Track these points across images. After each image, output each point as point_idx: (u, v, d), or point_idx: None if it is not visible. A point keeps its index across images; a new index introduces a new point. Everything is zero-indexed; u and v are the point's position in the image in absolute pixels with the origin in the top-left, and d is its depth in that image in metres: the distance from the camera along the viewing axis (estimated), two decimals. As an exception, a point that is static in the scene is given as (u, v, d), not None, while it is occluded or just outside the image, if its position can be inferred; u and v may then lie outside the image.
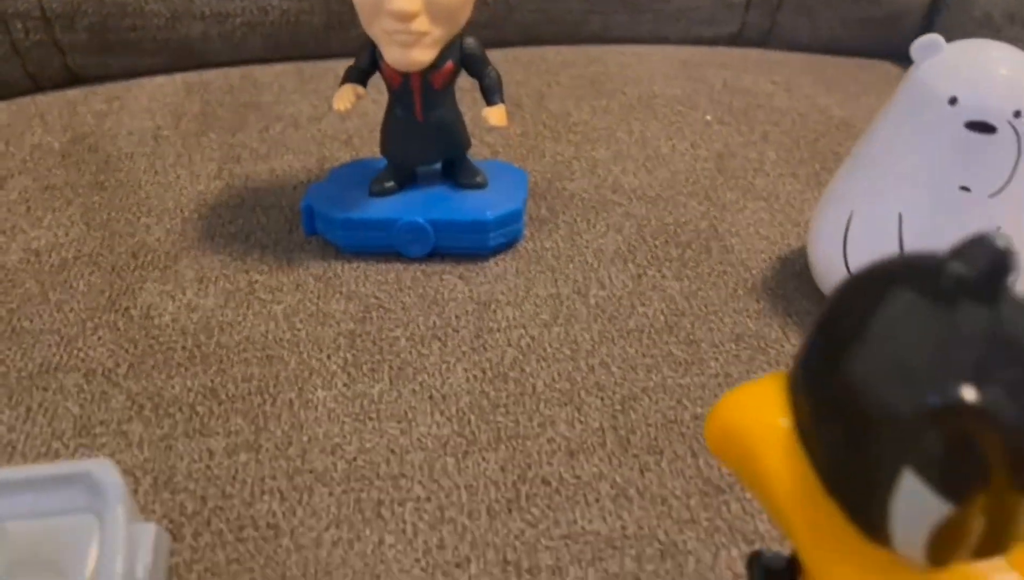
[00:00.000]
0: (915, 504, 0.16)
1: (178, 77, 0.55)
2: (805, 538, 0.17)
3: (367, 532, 0.28)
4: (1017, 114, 0.30)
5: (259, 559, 0.27)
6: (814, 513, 0.17)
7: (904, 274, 0.17)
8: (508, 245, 0.39)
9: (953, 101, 0.31)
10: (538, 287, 0.38)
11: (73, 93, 0.53)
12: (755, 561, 0.23)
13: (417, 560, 0.27)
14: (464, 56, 0.37)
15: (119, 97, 0.52)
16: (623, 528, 0.28)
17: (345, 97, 0.36)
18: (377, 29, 0.34)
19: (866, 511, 0.16)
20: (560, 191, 0.44)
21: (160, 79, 0.54)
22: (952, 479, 0.15)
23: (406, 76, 0.36)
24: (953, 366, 0.15)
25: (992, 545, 0.16)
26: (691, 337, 0.35)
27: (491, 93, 0.37)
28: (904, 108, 0.33)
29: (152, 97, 0.52)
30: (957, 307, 0.16)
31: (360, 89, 0.36)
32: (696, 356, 0.34)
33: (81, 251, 0.40)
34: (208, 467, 0.30)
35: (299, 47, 0.56)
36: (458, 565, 0.27)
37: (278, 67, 0.55)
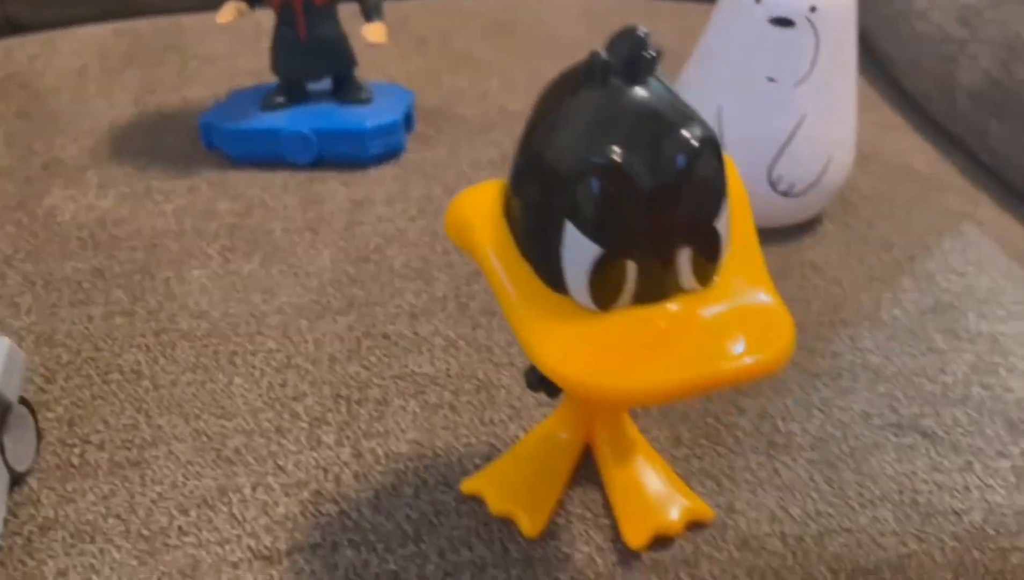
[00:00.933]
0: (575, 250, 0.19)
1: (110, 25, 0.58)
2: (510, 300, 0.21)
3: (219, 375, 0.31)
4: (813, 9, 0.34)
5: (120, 395, 0.30)
6: (517, 278, 0.21)
7: (575, 73, 0.20)
8: (389, 155, 0.43)
9: (758, 0, 0.34)
10: (412, 190, 0.41)
11: (10, 40, 0.57)
12: (531, 370, 0.26)
13: (260, 395, 0.30)
14: (342, -22, 0.40)
15: (53, 41, 0.56)
16: (447, 370, 0.31)
17: (227, 12, 0.39)
18: (253, -53, 0.38)
19: (546, 263, 0.20)
20: (450, 115, 0.47)
21: (92, 27, 0.58)
22: (599, 226, 0.19)
23: (286, -6, 0.39)
24: (604, 136, 0.19)
25: (648, 293, 0.20)
26: (541, 226, 0.38)
27: (370, 12, 0.41)
28: (721, 13, 0.36)
29: (82, 41, 0.56)
30: (610, 90, 0.19)
31: (242, 6, 0.40)
32: (542, 241, 0.37)
33: (-1, 166, 0.43)
34: (86, 328, 0.33)
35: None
36: (296, 398, 0.30)
37: (205, 15, 0.59)
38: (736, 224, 0.21)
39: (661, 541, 0.26)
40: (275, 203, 0.40)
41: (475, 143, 0.44)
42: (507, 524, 0.26)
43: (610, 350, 0.19)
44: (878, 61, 0.58)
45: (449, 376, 0.31)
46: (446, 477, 0.28)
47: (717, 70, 0.36)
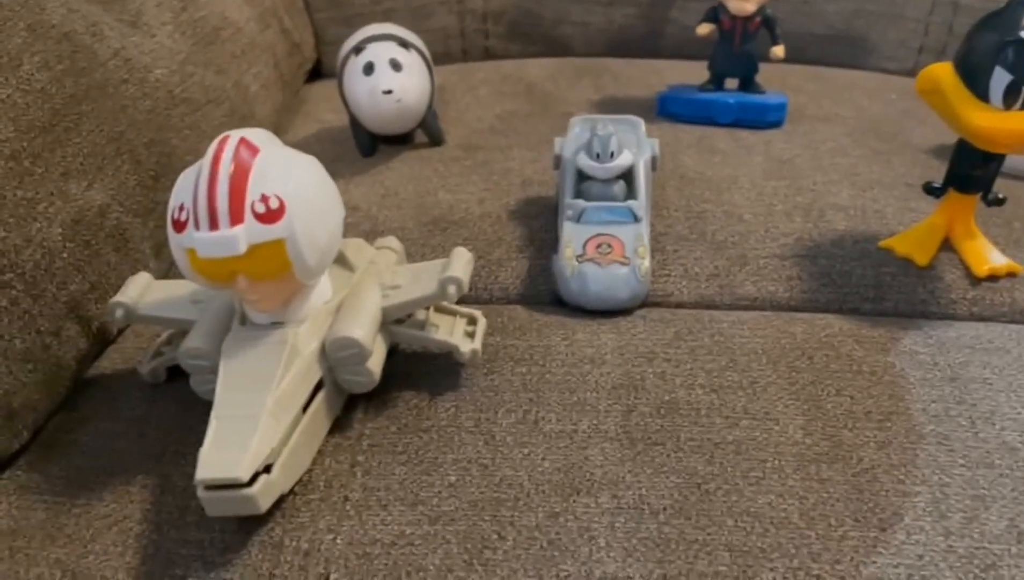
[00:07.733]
0: (998, 78, 0.43)
1: (547, 60, 0.89)
2: (957, 107, 0.45)
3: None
4: None
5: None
6: (960, 96, 0.45)
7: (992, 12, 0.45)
8: (775, 124, 0.69)
9: None
10: (783, 139, 0.67)
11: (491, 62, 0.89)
12: (926, 184, 0.50)
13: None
14: (766, 18, 0.68)
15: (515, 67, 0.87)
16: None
17: (703, 28, 0.68)
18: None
19: (981, 87, 0.44)
20: (809, 116, 0.73)
21: (539, 60, 0.89)
22: (1013, 66, 0.43)
23: (734, 21, 0.67)
24: (1012, 28, 0.43)
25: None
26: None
27: (776, 38, 0.68)
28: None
29: (536, 65, 0.86)
30: (1011, 11, 0.44)
31: (712, 26, 0.68)
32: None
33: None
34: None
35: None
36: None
37: (620, 61, 0.88)
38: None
39: (993, 278, 0.49)
40: (712, 139, 0.67)
41: (821, 129, 0.70)
42: (898, 263, 0.50)
43: (1005, 119, 0.43)
44: None
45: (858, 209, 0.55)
46: (867, 237, 0.52)
47: None
